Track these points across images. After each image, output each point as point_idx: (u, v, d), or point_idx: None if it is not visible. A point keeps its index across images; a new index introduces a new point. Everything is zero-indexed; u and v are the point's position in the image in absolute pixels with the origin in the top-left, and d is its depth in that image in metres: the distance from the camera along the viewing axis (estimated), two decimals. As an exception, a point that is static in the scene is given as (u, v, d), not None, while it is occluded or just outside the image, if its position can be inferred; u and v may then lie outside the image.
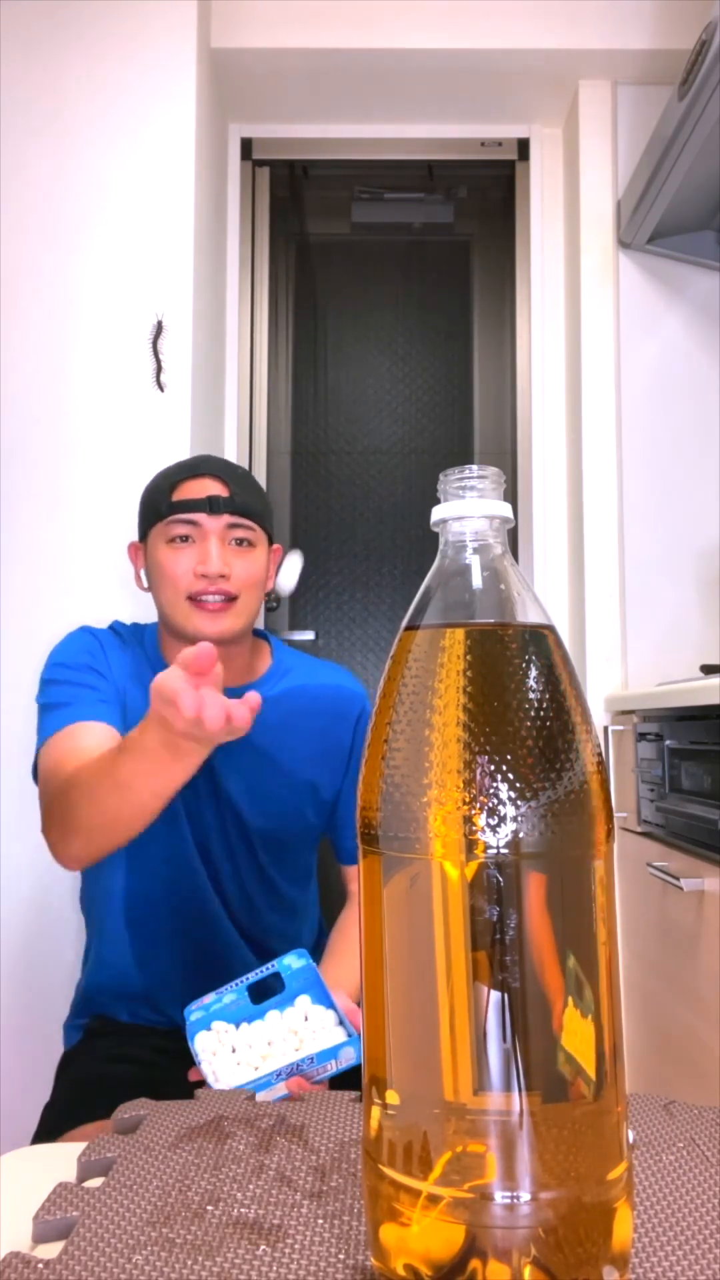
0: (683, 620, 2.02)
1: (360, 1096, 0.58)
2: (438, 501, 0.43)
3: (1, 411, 1.77)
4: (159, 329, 1.79)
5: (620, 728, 1.80)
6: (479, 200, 2.49)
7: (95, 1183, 0.50)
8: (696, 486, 2.04)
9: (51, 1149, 0.57)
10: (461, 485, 0.42)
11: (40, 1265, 0.40)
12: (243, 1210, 0.45)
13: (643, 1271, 0.40)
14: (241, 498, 1.10)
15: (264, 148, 2.31)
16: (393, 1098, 0.38)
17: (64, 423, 1.78)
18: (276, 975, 0.97)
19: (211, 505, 1.08)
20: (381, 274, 2.53)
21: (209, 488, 1.10)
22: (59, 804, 0.97)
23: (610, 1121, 0.37)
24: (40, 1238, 0.45)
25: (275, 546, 1.21)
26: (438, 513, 0.42)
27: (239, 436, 2.22)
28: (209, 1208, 0.45)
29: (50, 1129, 1.00)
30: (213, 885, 1.14)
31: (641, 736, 1.64)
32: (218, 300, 2.14)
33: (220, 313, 2.18)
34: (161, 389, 1.78)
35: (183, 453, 1.79)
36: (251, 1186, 0.47)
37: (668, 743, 1.50)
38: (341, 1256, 0.41)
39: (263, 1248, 0.42)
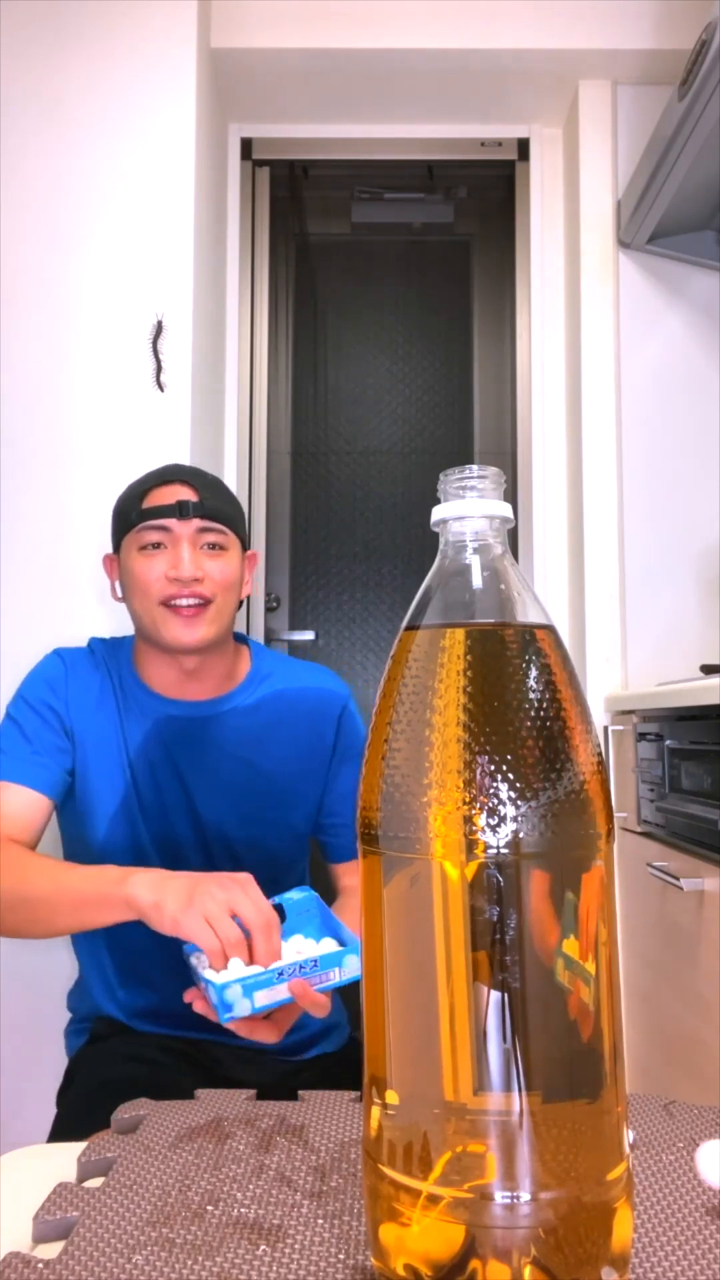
0: (683, 620, 2.02)
1: (360, 1096, 0.58)
2: (438, 501, 0.43)
3: (1, 411, 1.77)
4: (159, 329, 1.79)
5: (620, 728, 1.80)
6: (479, 200, 2.49)
7: (95, 1183, 0.50)
8: (696, 486, 2.04)
9: (51, 1149, 0.57)
10: (461, 485, 0.42)
11: (40, 1265, 0.40)
12: (243, 1210, 0.45)
13: (643, 1271, 0.40)
14: (211, 502, 1.11)
15: (264, 148, 2.31)
16: (392, 1098, 0.38)
17: (64, 422, 1.78)
18: (279, 907, 0.95)
19: (181, 510, 1.08)
20: (381, 274, 2.53)
21: (178, 493, 1.10)
22: None
23: (610, 1121, 0.37)
24: (40, 1238, 0.45)
25: (250, 552, 1.20)
26: (438, 513, 0.42)
27: (239, 436, 2.22)
28: (209, 1208, 0.45)
29: (66, 1138, 0.99)
30: None
31: (641, 736, 1.64)
32: (218, 300, 2.14)
33: (220, 313, 2.18)
34: (161, 389, 1.78)
35: (183, 453, 1.79)
36: (251, 1186, 0.47)
37: (668, 743, 1.50)
38: (341, 1256, 0.41)
39: (263, 1248, 0.42)
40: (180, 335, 1.80)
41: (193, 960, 0.87)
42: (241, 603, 1.20)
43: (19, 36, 1.83)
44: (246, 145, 2.30)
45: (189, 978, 1.15)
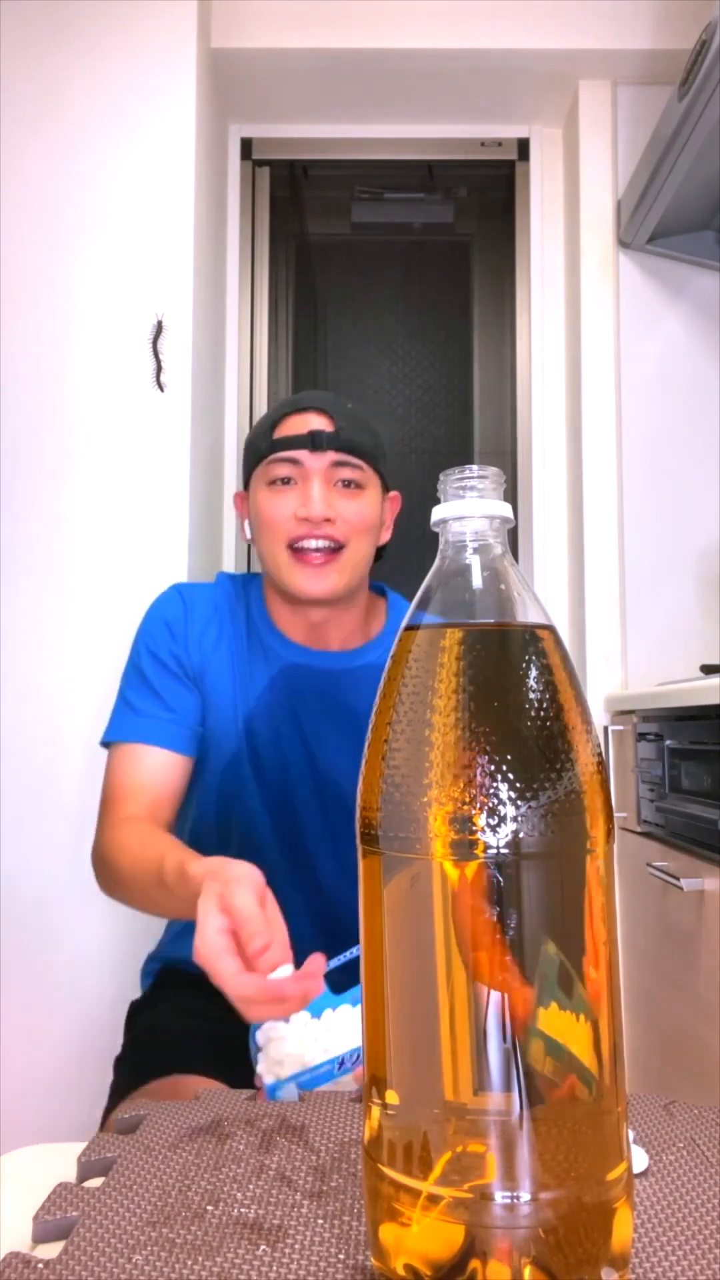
0: (683, 620, 2.02)
1: (360, 1096, 0.58)
2: (437, 501, 0.43)
3: (2, 411, 1.77)
4: (159, 329, 1.79)
5: (620, 728, 1.80)
6: (479, 200, 2.49)
7: (95, 1183, 0.50)
8: (696, 486, 2.04)
9: (51, 1149, 0.57)
10: (461, 485, 0.42)
11: (40, 1265, 0.40)
12: (243, 1210, 0.45)
13: (643, 1272, 0.40)
14: (348, 433, 1.00)
15: (264, 148, 2.31)
16: (392, 1098, 0.38)
17: (64, 423, 1.78)
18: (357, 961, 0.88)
19: (314, 441, 0.98)
20: (381, 274, 2.53)
21: (312, 423, 1.00)
22: (103, 861, 0.98)
23: (610, 1121, 0.37)
24: (40, 1238, 0.45)
25: (393, 494, 1.09)
26: (438, 513, 0.42)
27: (239, 436, 2.22)
28: (209, 1208, 0.45)
29: (122, 1084, 0.96)
30: (302, 870, 1.07)
31: (641, 736, 1.64)
32: (218, 300, 2.14)
33: (220, 313, 2.18)
34: (161, 389, 1.78)
35: (183, 453, 1.79)
36: (251, 1186, 0.47)
37: (668, 743, 1.50)
38: (341, 1256, 0.41)
39: (263, 1248, 0.42)
40: (180, 335, 1.80)
41: (257, 1036, 0.76)
42: (382, 551, 1.10)
43: (19, 37, 1.83)
44: (246, 145, 2.30)
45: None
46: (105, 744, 1.07)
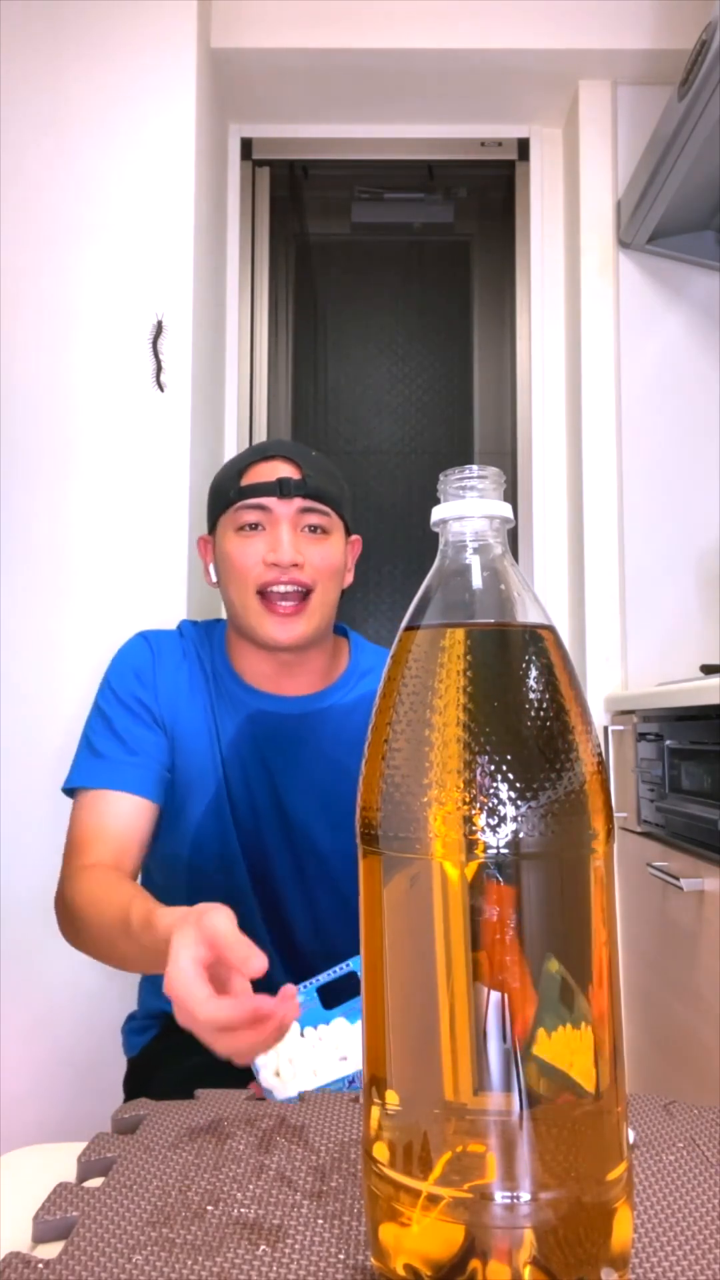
0: (683, 620, 2.02)
1: (360, 1096, 0.58)
2: (438, 501, 0.43)
3: (1, 411, 1.77)
4: (159, 329, 1.79)
5: (620, 728, 1.80)
6: (479, 200, 2.49)
7: (95, 1183, 0.50)
8: (696, 487, 2.04)
9: (51, 1149, 0.57)
10: (461, 485, 0.42)
11: (40, 1265, 0.40)
12: (243, 1210, 0.45)
13: (643, 1272, 0.40)
14: (315, 480, 1.03)
15: (264, 148, 2.31)
16: (392, 1098, 0.38)
17: (64, 423, 1.78)
18: (351, 975, 0.84)
19: (282, 488, 1.01)
20: (381, 274, 2.53)
21: (279, 470, 1.03)
22: (67, 909, 0.95)
23: (610, 1121, 0.37)
24: (40, 1238, 0.45)
25: (354, 538, 1.12)
26: (438, 513, 0.42)
27: (239, 436, 2.22)
28: (209, 1208, 0.45)
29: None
30: (273, 913, 1.08)
31: (641, 736, 1.64)
32: (218, 300, 2.14)
33: (220, 313, 2.18)
34: (161, 389, 1.78)
35: (183, 453, 1.79)
36: (251, 1186, 0.47)
37: (668, 743, 1.50)
38: (341, 1256, 0.41)
39: (263, 1248, 0.42)
40: (180, 335, 1.80)
41: (259, 1074, 0.74)
42: (343, 594, 1.13)
43: (19, 37, 1.83)
44: (246, 145, 2.30)
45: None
46: (67, 790, 1.04)
